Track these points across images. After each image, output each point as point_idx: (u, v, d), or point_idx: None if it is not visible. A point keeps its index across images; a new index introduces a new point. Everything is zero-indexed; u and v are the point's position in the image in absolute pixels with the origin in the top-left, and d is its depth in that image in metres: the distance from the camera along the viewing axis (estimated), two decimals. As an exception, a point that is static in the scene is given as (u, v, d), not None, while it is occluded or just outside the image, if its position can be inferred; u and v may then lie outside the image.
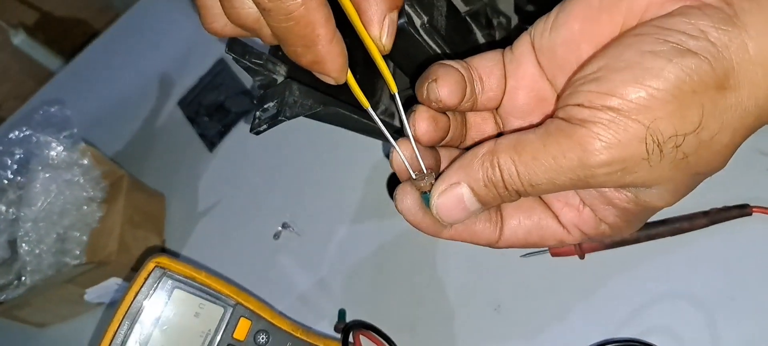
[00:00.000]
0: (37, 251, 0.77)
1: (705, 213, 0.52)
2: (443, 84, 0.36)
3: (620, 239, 0.54)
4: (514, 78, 0.38)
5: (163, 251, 0.84)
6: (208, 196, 0.87)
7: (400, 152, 0.37)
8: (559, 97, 0.37)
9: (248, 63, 0.52)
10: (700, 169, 0.32)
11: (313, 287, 0.69)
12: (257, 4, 0.33)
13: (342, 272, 0.68)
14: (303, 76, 0.56)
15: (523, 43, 0.38)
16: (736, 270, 0.50)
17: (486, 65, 0.38)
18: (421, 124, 0.37)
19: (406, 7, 0.53)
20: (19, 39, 1.94)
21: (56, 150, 0.80)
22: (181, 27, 1.13)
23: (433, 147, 0.39)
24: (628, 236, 0.40)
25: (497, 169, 0.33)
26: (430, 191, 0.36)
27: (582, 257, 0.55)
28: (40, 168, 0.78)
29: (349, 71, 0.36)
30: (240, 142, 0.89)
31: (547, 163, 0.32)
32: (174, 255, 0.83)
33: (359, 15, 0.35)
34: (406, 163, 0.37)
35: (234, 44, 0.52)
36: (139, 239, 0.83)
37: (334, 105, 0.54)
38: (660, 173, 0.31)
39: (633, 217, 0.36)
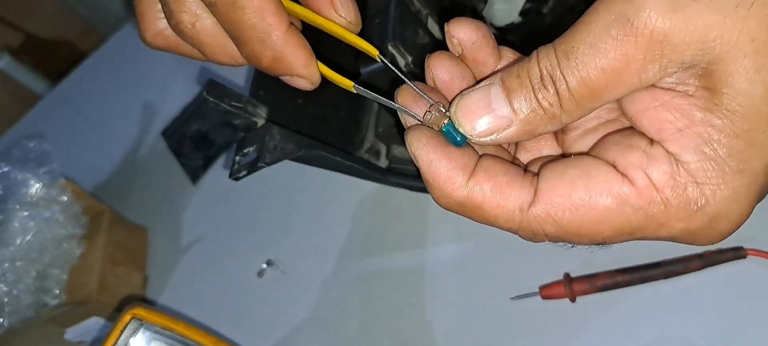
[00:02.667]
0: (15, 292, 0.75)
1: (699, 255, 0.50)
2: (458, 27, 0.31)
3: (612, 282, 0.53)
4: None
5: (143, 300, 0.82)
6: (191, 230, 0.85)
7: (396, 105, 0.31)
8: None
9: (227, 106, 0.51)
10: None
11: (298, 330, 0.67)
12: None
13: (327, 314, 0.67)
14: (284, 119, 0.54)
15: None
16: (730, 315, 0.49)
17: None
18: (436, 62, 0.31)
19: (390, 47, 0.51)
20: (4, 62, 1.92)
21: (35, 187, 0.78)
22: (167, 53, 1.11)
23: None
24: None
25: (535, 56, 0.27)
26: (448, 123, 0.29)
27: (573, 300, 0.54)
28: (18, 206, 0.76)
29: (318, 63, 0.34)
30: (224, 175, 0.87)
31: (585, 20, 0.26)
32: (155, 295, 0.81)
33: (310, 9, 0.33)
34: (406, 109, 0.31)
35: (212, 88, 0.51)
36: (120, 277, 0.81)
37: (316, 148, 0.52)
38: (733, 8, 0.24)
39: (722, 144, 0.25)
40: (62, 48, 2.02)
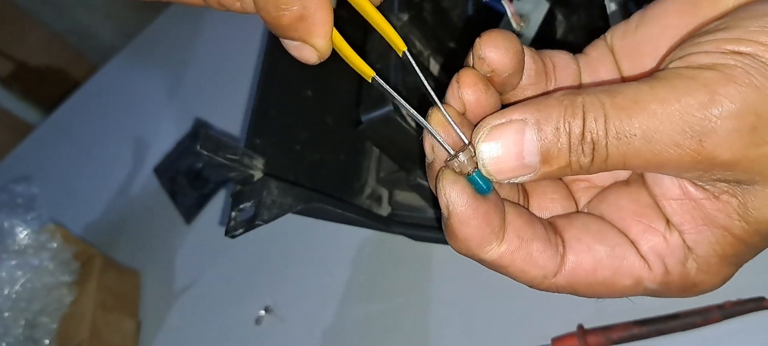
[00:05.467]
0: (3, 344, 0.72)
1: (719, 306, 0.48)
2: (490, 44, 0.28)
3: (628, 335, 0.50)
4: (590, 79, 0.32)
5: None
6: (185, 273, 0.83)
7: (430, 128, 0.28)
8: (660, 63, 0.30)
9: (222, 160, 0.49)
10: None
11: (299, 381, 0.65)
12: None
13: (329, 364, 0.64)
14: (281, 168, 0.52)
15: (598, 46, 0.32)
16: (754, 369, 0.46)
17: (562, 57, 0.31)
18: (467, 86, 0.28)
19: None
20: (-7, 91, 1.89)
21: (23, 234, 0.75)
22: (158, 86, 1.09)
23: None
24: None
25: (580, 109, 0.25)
26: (477, 172, 0.27)
27: (587, 353, 0.51)
28: (5, 256, 0.73)
29: (339, 36, 0.29)
30: (219, 214, 0.85)
31: (650, 108, 0.24)
32: (148, 343, 0.78)
33: None
34: (440, 139, 0.28)
35: (206, 141, 0.48)
36: (112, 324, 0.78)
37: (316, 201, 0.50)
38: None
39: (732, 247, 0.27)
40: (52, 76, 1.99)
